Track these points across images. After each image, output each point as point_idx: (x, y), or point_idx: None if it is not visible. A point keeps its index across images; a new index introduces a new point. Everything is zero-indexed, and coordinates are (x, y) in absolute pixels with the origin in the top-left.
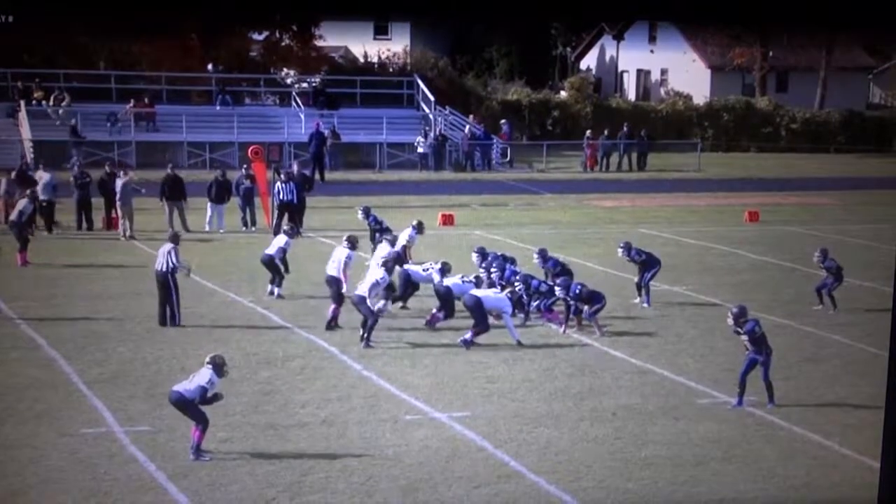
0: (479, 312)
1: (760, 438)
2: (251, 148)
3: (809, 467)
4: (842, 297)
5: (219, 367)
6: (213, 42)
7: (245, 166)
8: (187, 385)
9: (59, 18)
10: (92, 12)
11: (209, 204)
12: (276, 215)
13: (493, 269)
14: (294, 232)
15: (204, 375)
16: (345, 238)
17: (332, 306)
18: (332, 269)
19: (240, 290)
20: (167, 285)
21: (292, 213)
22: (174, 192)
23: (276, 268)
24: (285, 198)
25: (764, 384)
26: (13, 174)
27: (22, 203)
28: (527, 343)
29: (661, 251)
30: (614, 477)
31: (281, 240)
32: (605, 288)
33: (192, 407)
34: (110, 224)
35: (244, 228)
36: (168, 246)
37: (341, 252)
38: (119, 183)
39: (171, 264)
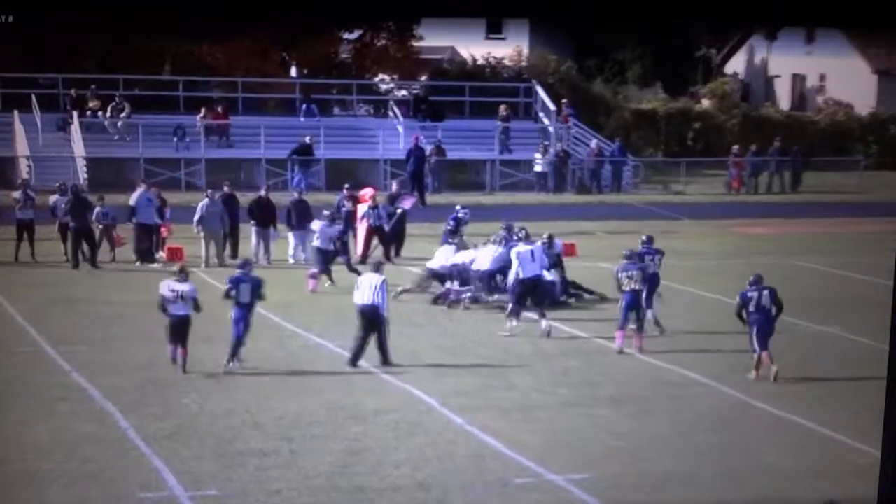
0: None
1: None
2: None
3: None
4: None
5: None
6: (296, 43)
7: (347, 185)
8: None
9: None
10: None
11: (290, 233)
12: (363, 244)
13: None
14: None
15: None
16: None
17: None
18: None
19: (325, 333)
20: (378, 320)
21: (382, 240)
22: (265, 217)
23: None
24: (374, 223)
25: None
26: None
27: None
28: (655, 393)
29: (813, 285)
30: None
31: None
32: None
33: None
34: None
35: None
36: (373, 277)
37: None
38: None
39: (380, 298)
